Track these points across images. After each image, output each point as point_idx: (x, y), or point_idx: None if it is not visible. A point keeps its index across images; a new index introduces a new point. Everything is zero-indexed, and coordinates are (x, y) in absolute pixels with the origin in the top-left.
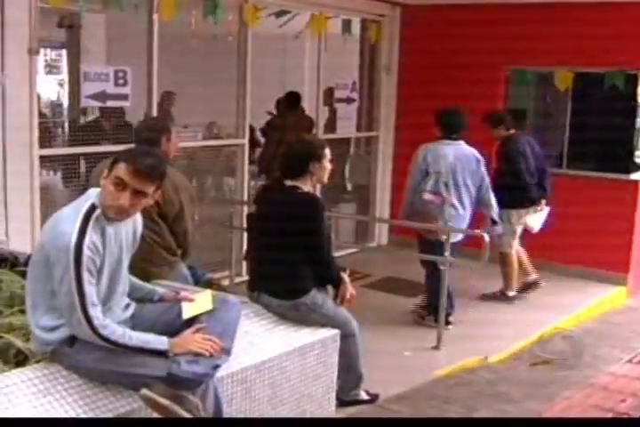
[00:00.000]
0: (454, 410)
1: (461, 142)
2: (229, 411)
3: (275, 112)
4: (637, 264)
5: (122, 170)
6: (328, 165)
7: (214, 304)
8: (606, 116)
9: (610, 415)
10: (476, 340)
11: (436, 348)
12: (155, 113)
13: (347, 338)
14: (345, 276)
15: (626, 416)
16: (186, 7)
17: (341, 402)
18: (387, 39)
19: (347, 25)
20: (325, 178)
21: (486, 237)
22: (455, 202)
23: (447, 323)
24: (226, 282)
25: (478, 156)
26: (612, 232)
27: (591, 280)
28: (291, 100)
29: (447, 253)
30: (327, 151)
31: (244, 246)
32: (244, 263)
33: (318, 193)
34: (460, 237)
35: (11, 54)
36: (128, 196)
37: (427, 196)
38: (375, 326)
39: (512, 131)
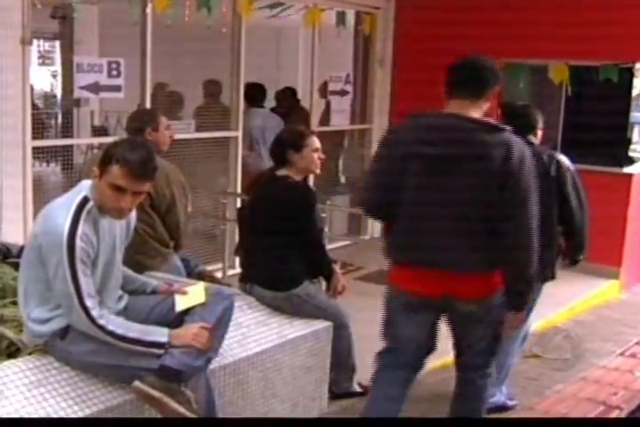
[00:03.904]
0: (446, 403)
1: (267, 110)
2: (221, 403)
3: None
4: (630, 258)
5: (117, 175)
6: (313, 156)
7: (207, 296)
8: (600, 110)
9: (601, 408)
10: None
11: None
12: (148, 104)
13: (339, 330)
14: (336, 268)
15: (617, 411)
16: None
17: (334, 395)
18: (381, 31)
19: (341, 17)
20: (313, 168)
21: None
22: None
23: None
24: (219, 275)
25: (281, 122)
26: (604, 226)
27: (584, 274)
28: (288, 93)
29: None
30: (310, 141)
31: (237, 239)
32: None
33: (311, 185)
34: None
35: (3, 44)
36: (129, 199)
37: (244, 152)
38: (368, 319)
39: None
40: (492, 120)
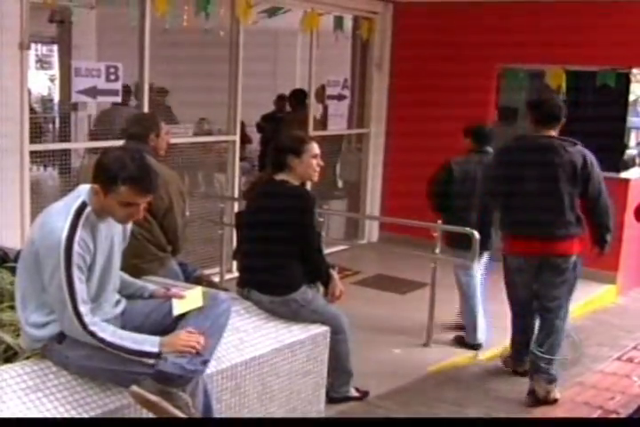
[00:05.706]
0: (444, 407)
1: None
2: (219, 407)
3: (274, 108)
4: (627, 263)
5: (128, 194)
6: (311, 162)
7: (205, 301)
8: (597, 115)
9: (599, 413)
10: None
11: (426, 345)
12: (146, 108)
13: (337, 335)
14: (334, 273)
15: (614, 415)
16: (178, 2)
17: (331, 399)
18: (379, 36)
19: (339, 22)
20: (311, 174)
21: None
22: None
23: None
24: (216, 279)
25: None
26: None
27: (581, 278)
28: (299, 97)
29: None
30: (310, 147)
31: (235, 243)
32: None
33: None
34: None
35: (1, 49)
36: (140, 210)
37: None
38: (365, 324)
39: None
40: (570, 138)
